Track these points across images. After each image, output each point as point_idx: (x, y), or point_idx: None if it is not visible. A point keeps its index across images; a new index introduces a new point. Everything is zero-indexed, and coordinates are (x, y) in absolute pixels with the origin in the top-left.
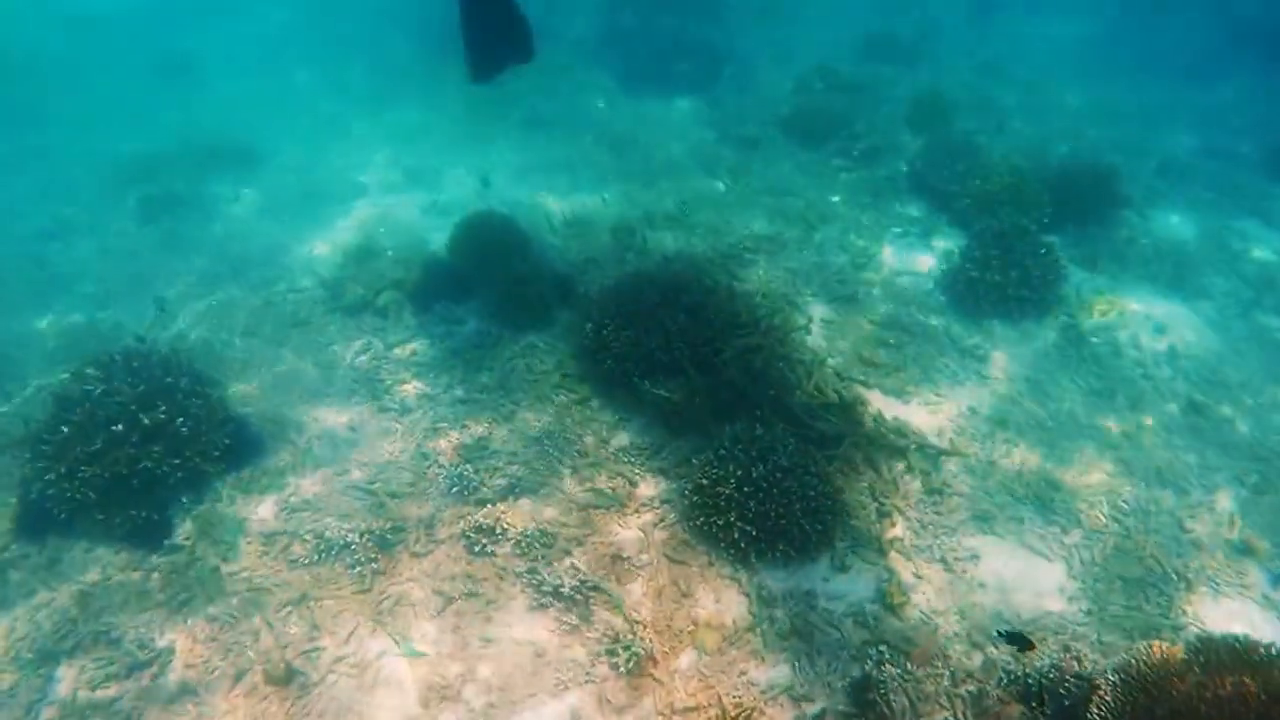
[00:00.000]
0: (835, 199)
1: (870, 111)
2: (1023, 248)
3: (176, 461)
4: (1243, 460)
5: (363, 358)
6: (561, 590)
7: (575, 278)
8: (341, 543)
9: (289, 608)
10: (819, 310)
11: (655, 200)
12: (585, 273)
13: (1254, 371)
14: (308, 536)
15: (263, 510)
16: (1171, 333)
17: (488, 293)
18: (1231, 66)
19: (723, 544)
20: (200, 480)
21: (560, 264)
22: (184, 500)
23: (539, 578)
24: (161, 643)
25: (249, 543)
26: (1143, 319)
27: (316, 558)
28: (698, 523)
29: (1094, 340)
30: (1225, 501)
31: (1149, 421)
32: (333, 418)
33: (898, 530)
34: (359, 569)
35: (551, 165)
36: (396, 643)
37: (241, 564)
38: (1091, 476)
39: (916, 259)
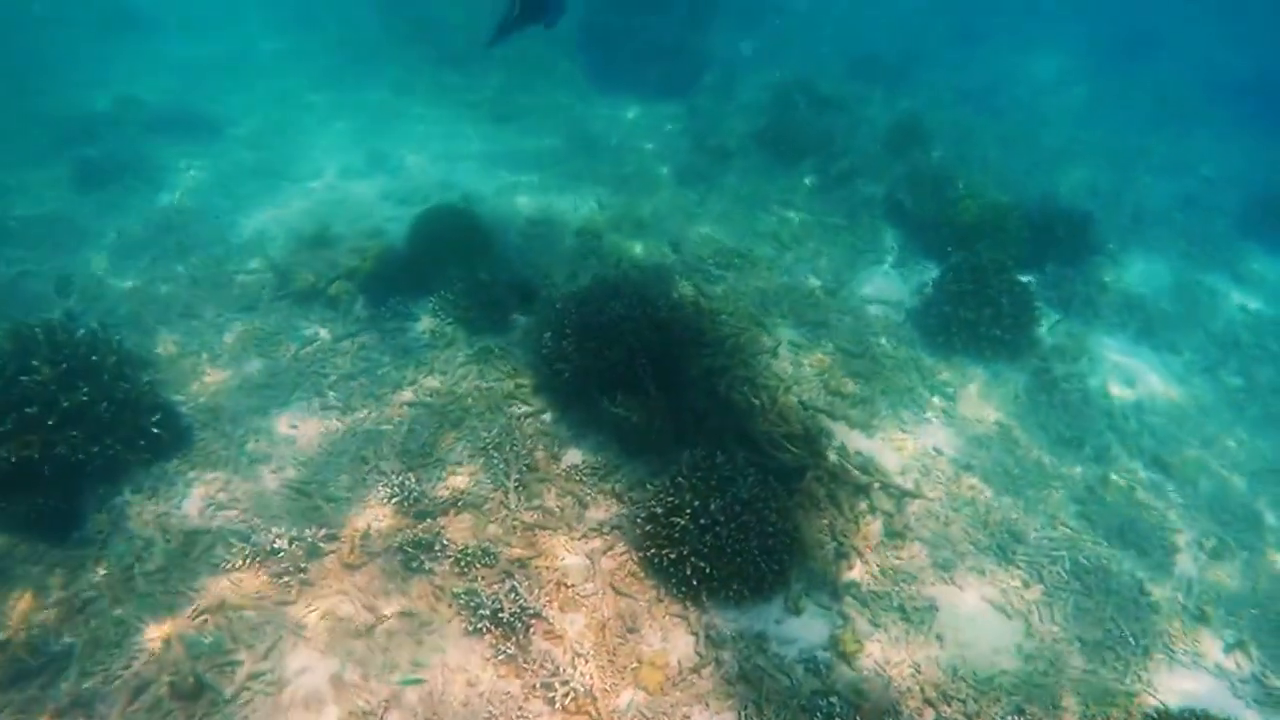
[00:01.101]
0: (809, 218)
1: (849, 131)
2: (998, 285)
3: (95, 449)
4: (1203, 522)
5: (308, 349)
6: (500, 615)
7: (537, 280)
8: (269, 548)
9: (204, 615)
10: (787, 334)
11: (625, 205)
12: (547, 275)
13: (1217, 433)
14: (233, 538)
15: (187, 506)
16: (1140, 385)
17: (445, 290)
18: (1206, 115)
19: (674, 578)
20: (120, 470)
21: (522, 265)
22: (100, 490)
23: (477, 600)
24: (57, 646)
25: (168, 541)
26: (1113, 368)
27: (240, 562)
28: (649, 553)
29: (1064, 386)
30: (1185, 564)
31: (1114, 476)
32: (271, 411)
33: (856, 573)
34: (286, 578)
35: (520, 161)
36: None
37: (156, 563)
38: (1056, 530)
39: (889, 287)
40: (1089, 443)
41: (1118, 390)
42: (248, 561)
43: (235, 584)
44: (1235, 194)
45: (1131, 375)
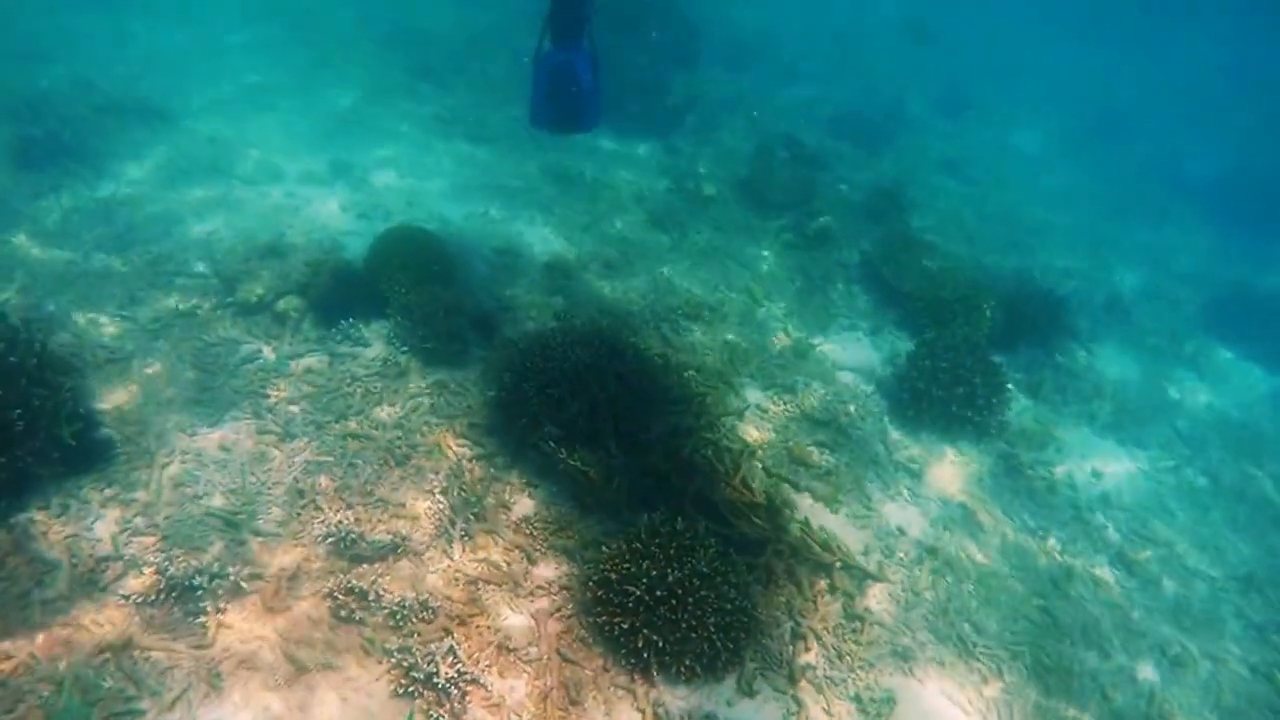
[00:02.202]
0: (783, 275)
1: (830, 190)
2: (971, 365)
3: (2, 460)
4: (1166, 627)
5: (249, 366)
6: (435, 680)
7: (500, 314)
8: (187, 582)
9: (106, 655)
10: (754, 395)
11: (596, 242)
12: (511, 309)
13: (1181, 535)
14: (147, 569)
15: (100, 529)
16: (1106, 479)
17: (401, 316)
18: (1175, 207)
19: (623, 649)
20: (29, 485)
21: (485, 296)
22: (2, 505)
23: (411, 660)
24: None
25: (74, 566)
26: (1080, 459)
27: (153, 597)
28: (599, 619)
29: (1030, 473)
30: (1147, 671)
31: (1079, 569)
32: (203, 431)
33: (811, 656)
34: (202, 618)
35: (491, 188)
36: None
37: (58, 590)
38: (1018, 623)
39: (860, 354)
40: (1053, 533)
41: (1084, 481)
42: (161, 596)
43: (146, 621)
44: (1201, 289)
45: (1098, 468)
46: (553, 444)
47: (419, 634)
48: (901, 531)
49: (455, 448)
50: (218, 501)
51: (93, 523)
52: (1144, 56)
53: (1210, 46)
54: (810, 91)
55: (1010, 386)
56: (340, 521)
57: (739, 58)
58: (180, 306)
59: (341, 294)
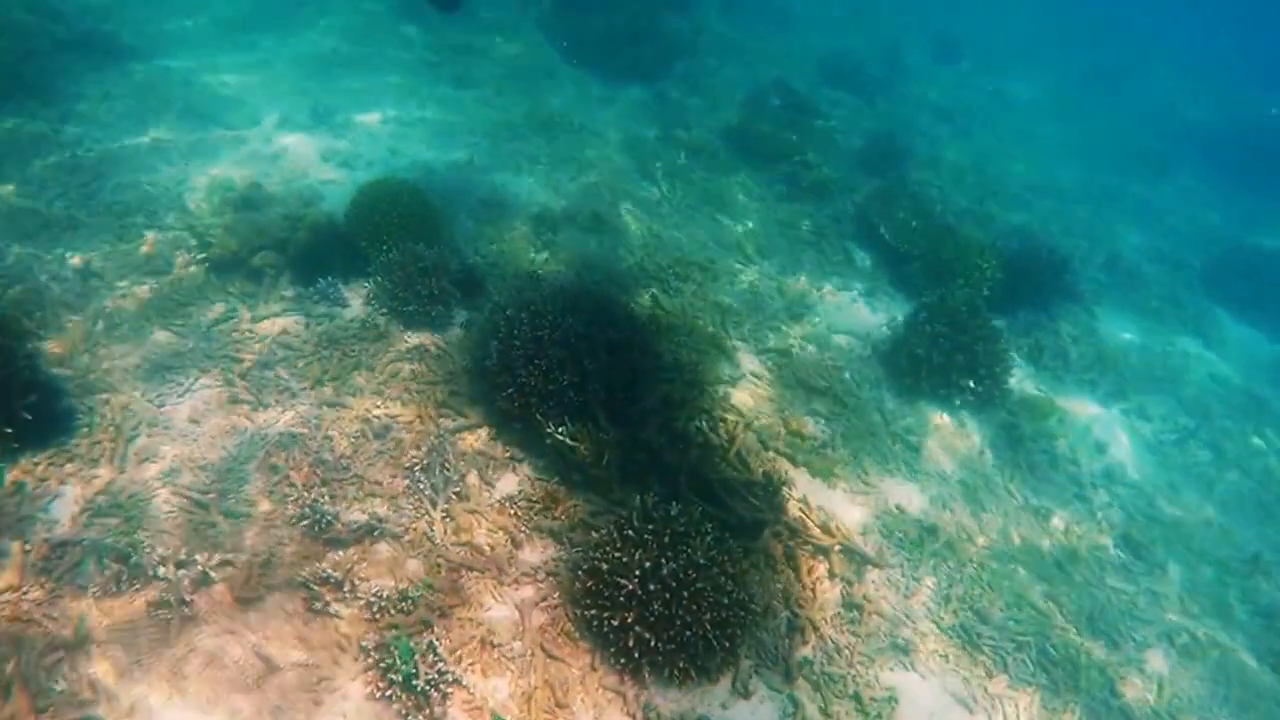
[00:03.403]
0: (777, 230)
1: (824, 139)
2: (973, 330)
3: None
4: (1174, 614)
5: (222, 328)
6: (414, 680)
7: (484, 272)
8: (151, 571)
9: (59, 653)
10: (748, 362)
11: (584, 195)
12: (496, 266)
13: (1188, 511)
14: (109, 556)
15: (57, 509)
16: (1110, 452)
17: (382, 275)
18: (1173, 160)
19: (613, 646)
20: None
21: (469, 252)
22: None
23: (389, 659)
24: None
25: (27, 550)
26: (1083, 431)
27: (114, 587)
28: (587, 613)
29: (1032, 445)
30: (1156, 662)
31: (1084, 552)
32: (172, 399)
33: (809, 649)
34: (165, 612)
35: (477, 134)
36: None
37: (5, 579)
38: (1023, 610)
39: (857, 317)
40: (1057, 512)
41: (1086, 456)
42: (123, 586)
43: (105, 614)
44: (1202, 248)
45: (1101, 440)
46: (540, 417)
47: (397, 627)
48: (900, 510)
49: (436, 419)
50: (186, 479)
51: (51, 503)
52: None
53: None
54: (804, 35)
55: (1011, 352)
56: (315, 501)
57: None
58: (149, 261)
59: (320, 250)
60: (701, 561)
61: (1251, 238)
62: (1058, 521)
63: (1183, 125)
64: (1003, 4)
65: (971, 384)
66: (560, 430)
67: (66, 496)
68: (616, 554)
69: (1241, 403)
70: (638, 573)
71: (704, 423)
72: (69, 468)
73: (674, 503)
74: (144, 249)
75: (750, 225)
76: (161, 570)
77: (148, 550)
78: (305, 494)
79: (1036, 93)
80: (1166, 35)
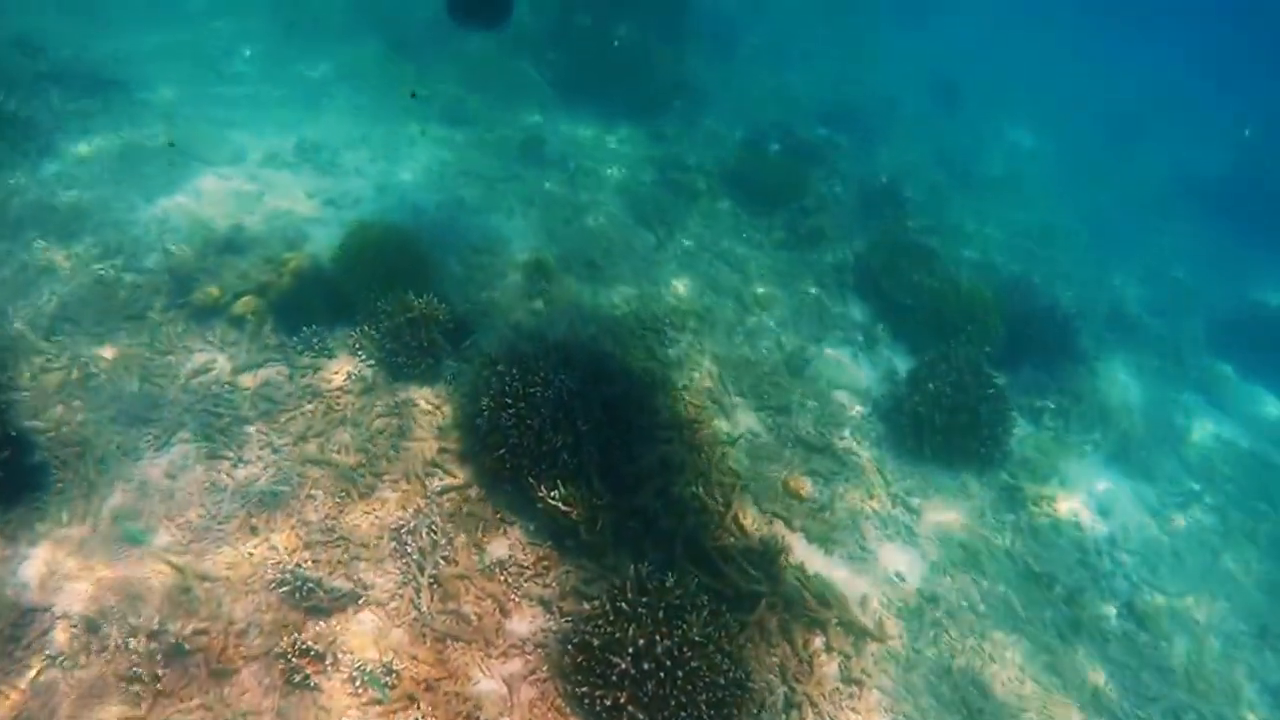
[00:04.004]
0: (775, 279)
1: (823, 184)
2: (976, 390)
3: None
4: (1179, 691)
5: (202, 379)
6: None
7: (475, 321)
8: (120, 642)
9: None
10: (745, 419)
11: (578, 240)
12: (488, 315)
13: (1193, 580)
14: (77, 623)
15: (25, 572)
16: (1113, 517)
17: (369, 324)
18: (1177, 210)
19: None
20: None
21: (460, 299)
22: None
23: None
24: None
25: None
26: (1086, 493)
27: (81, 659)
28: (578, 690)
29: (1034, 509)
30: None
31: (1087, 622)
32: (148, 455)
33: None
34: (134, 686)
35: (468, 174)
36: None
37: None
38: (1025, 687)
39: (857, 372)
40: (1060, 580)
41: (1089, 519)
42: (90, 656)
43: (73, 687)
44: (1206, 302)
45: (1105, 503)
46: (531, 479)
47: (380, 702)
48: (900, 577)
49: (424, 478)
50: (163, 539)
51: (19, 565)
52: (1145, 47)
53: (1213, 44)
54: (803, 74)
55: (1013, 411)
56: (298, 565)
57: (729, 35)
58: (128, 307)
59: (305, 296)
60: (697, 639)
61: (1257, 292)
62: (1059, 589)
63: (1188, 174)
64: (1007, 47)
65: (973, 444)
66: (553, 494)
67: (36, 559)
68: (609, 629)
69: (1248, 466)
70: (631, 650)
71: (700, 487)
72: (40, 527)
73: (669, 573)
74: (122, 294)
75: (749, 273)
76: (132, 643)
77: (118, 619)
78: (286, 558)
79: (1040, 139)
80: (1178, 84)
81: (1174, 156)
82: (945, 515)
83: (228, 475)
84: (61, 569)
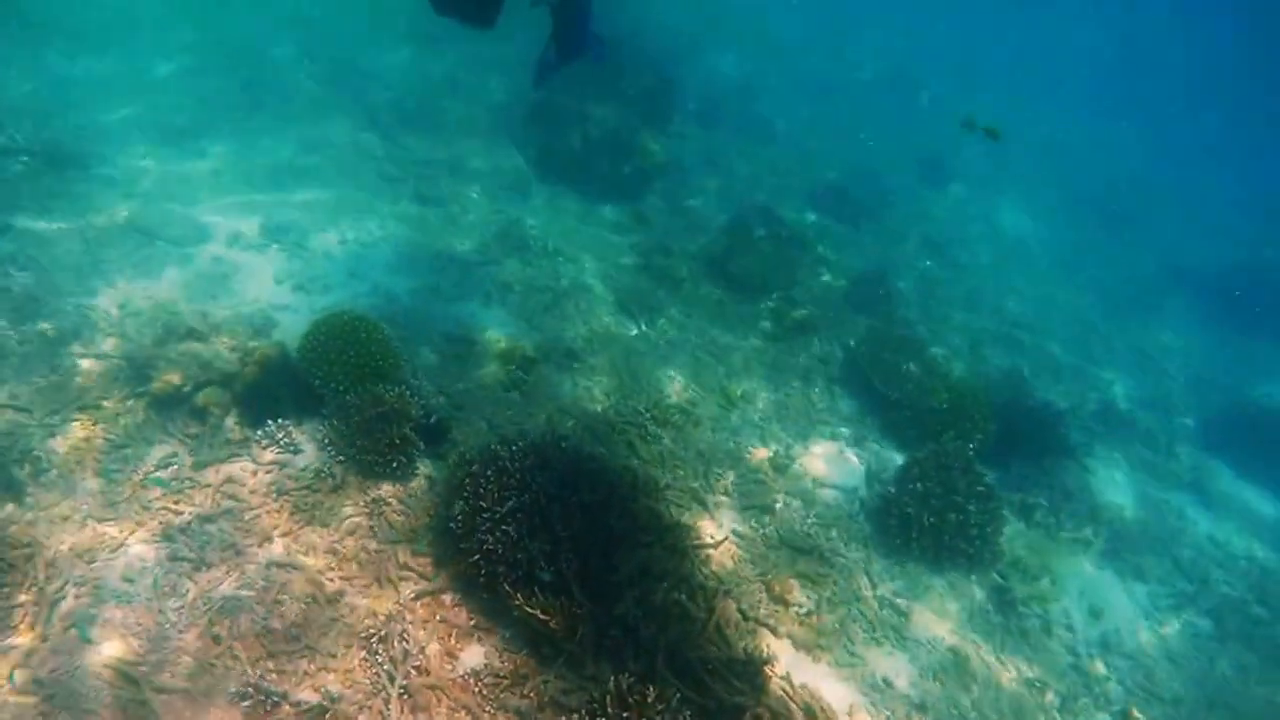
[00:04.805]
0: (760, 372)
1: (809, 272)
2: (965, 488)
3: None
4: None
5: (162, 474)
6: None
7: (449, 415)
8: None
9: None
10: (729, 518)
11: (556, 328)
12: (463, 409)
13: (1189, 686)
14: None
15: None
16: (1106, 619)
17: (338, 419)
18: (1168, 304)
19: None
20: None
21: (433, 392)
22: None
23: None
24: None
25: None
26: (1077, 594)
27: None
28: None
29: (1024, 610)
30: None
31: None
32: (104, 555)
33: None
34: None
35: (442, 257)
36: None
37: None
38: None
39: (844, 470)
40: (1052, 686)
41: (1081, 622)
42: None
43: None
44: (1200, 399)
45: (1096, 605)
46: (508, 587)
47: None
48: (888, 684)
49: (397, 582)
50: (116, 648)
51: None
52: (1139, 133)
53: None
54: (787, 151)
55: (1004, 511)
56: (261, 677)
57: (714, 113)
58: (83, 397)
59: (271, 387)
60: None
61: (1250, 387)
62: (1051, 696)
63: (1178, 264)
64: (997, 116)
65: (962, 545)
66: (530, 603)
67: None
68: None
69: (1243, 568)
70: None
71: (683, 594)
72: None
73: (651, 685)
74: (78, 381)
75: (733, 365)
76: None
77: None
78: (250, 668)
79: (1030, 222)
80: (1176, 175)
81: (1166, 243)
82: (934, 618)
83: (189, 579)
84: (8, 683)
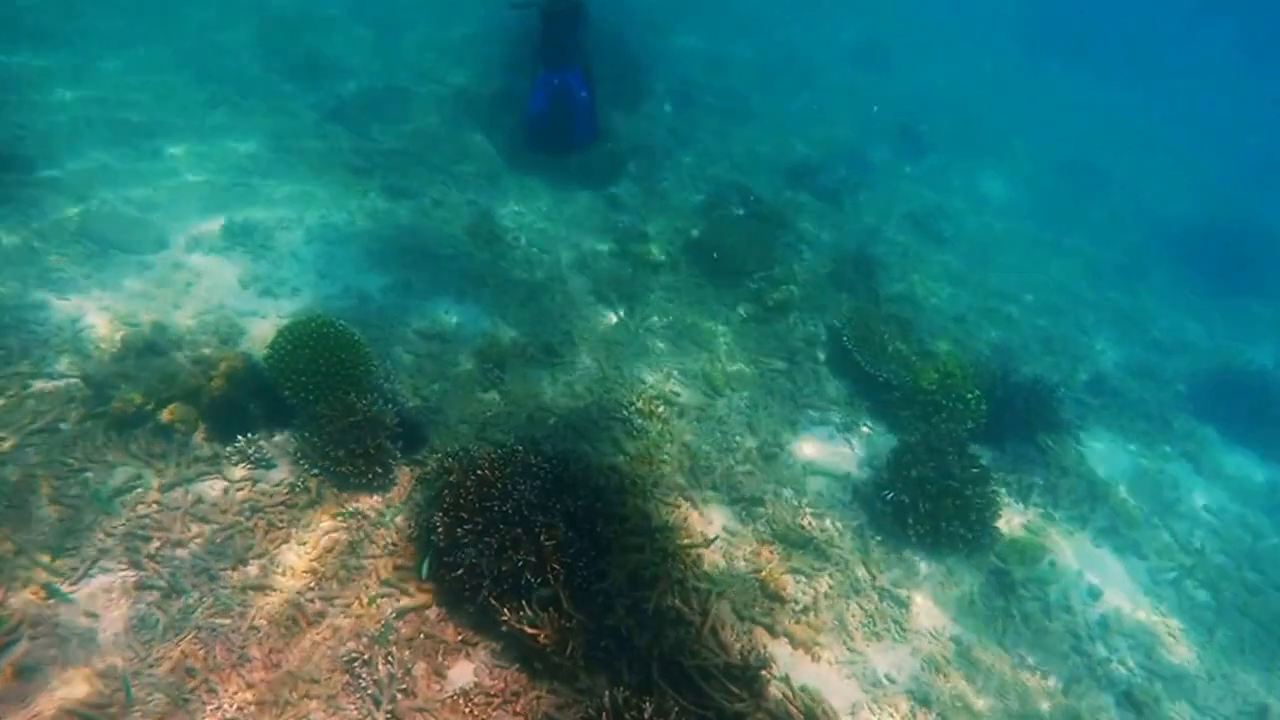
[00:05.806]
0: (744, 357)
1: (790, 251)
2: (961, 472)
3: None
4: None
5: (125, 498)
6: None
7: (425, 419)
8: None
9: None
10: (719, 515)
11: (534, 322)
12: (439, 411)
13: (1189, 661)
14: None
15: None
16: (1105, 599)
17: (309, 430)
18: (1152, 265)
19: None
20: None
21: (408, 395)
22: None
23: None
24: None
25: None
26: (1075, 574)
27: None
28: None
29: (1023, 593)
30: None
31: (1085, 714)
32: (64, 590)
33: None
34: None
35: (414, 253)
36: None
37: None
38: None
39: (834, 454)
40: (1054, 671)
41: (1080, 602)
42: None
43: None
44: (1188, 363)
45: (1095, 585)
46: (494, 601)
47: None
48: (890, 680)
49: (379, 599)
50: (81, 689)
51: None
52: (1113, 97)
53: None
54: (764, 132)
55: (999, 490)
56: (238, 710)
57: (687, 92)
58: (37, 418)
59: (240, 400)
60: None
61: (1236, 349)
62: (1054, 681)
63: (1163, 225)
64: (975, 94)
65: (960, 529)
66: (518, 617)
67: None
68: None
69: (1237, 535)
70: None
71: (676, 598)
72: None
73: (647, 699)
74: (29, 403)
75: (717, 350)
76: None
77: None
78: (228, 700)
79: (1011, 188)
80: (1153, 127)
81: (1153, 206)
82: (934, 606)
83: (159, 609)
84: None
